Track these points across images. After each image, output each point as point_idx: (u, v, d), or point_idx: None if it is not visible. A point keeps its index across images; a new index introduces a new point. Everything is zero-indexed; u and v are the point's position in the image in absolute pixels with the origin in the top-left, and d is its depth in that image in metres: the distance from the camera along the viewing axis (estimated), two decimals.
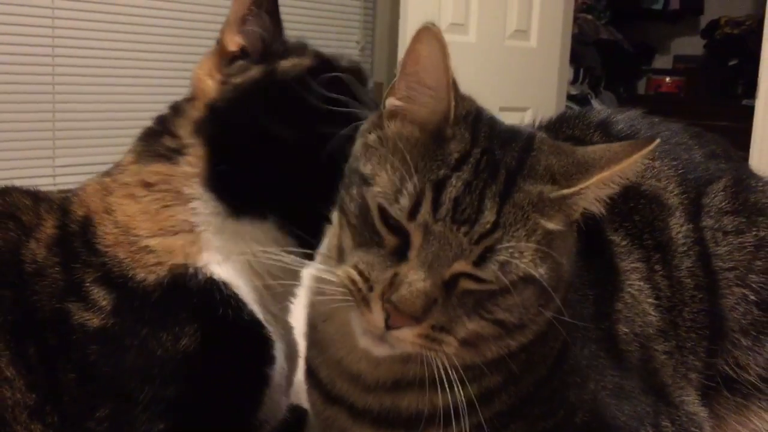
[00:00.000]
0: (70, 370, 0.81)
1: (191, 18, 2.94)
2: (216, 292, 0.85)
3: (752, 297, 0.90)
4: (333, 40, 3.54)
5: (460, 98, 0.73)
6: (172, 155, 0.90)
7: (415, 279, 0.66)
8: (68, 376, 0.81)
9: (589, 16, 5.14)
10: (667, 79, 5.75)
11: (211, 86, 0.92)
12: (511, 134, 0.74)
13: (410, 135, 0.72)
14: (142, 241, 0.85)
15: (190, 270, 0.85)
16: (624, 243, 0.90)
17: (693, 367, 0.90)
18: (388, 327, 0.68)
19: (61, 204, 0.92)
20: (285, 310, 0.98)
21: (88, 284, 0.83)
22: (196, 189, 0.88)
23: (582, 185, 0.69)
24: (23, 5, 2.56)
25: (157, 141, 0.92)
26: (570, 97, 4.31)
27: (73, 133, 2.74)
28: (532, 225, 0.68)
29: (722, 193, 0.94)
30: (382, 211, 0.69)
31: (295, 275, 0.93)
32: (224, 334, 0.85)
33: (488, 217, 0.67)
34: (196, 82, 0.94)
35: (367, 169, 0.72)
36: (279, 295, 0.94)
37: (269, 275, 0.91)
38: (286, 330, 0.97)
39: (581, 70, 4.85)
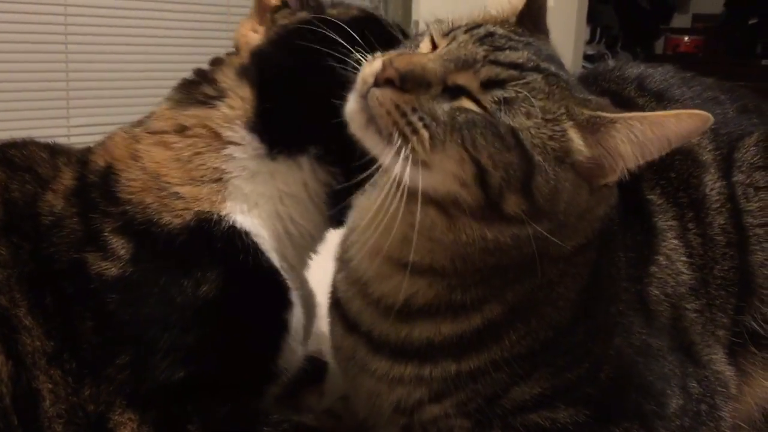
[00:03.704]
0: (89, 318, 0.82)
1: None
2: (237, 239, 0.87)
3: None
4: None
5: None
6: (210, 101, 0.92)
7: (421, 56, 0.72)
8: (86, 324, 0.82)
9: None
10: (686, 38, 5.66)
11: (255, 37, 0.96)
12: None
13: None
14: (172, 188, 0.87)
15: (215, 217, 0.86)
16: (660, 201, 0.89)
17: (721, 325, 0.90)
18: (376, 83, 0.69)
19: (80, 156, 0.93)
20: (303, 263, 1.00)
21: (106, 234, 0.84)
22: (236, 131, 0.90)
23: (619, 116, 0.71)
24: None
25: (195, 89, 0.94)
26: (586, 57, 4.25)
27: (88, 93, 2.73)
28: (555, 109, 0.71)
29: (754, 147, 0.93)
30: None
31: (316, 224, 0.97)
32: (244, 281, 0.86)
33: (515, 56, 0.72)
34: (240, 38, 0.98)
35: None
36: (298, 245, 0.96)
37: (291, 222, 0.93)
38: (302, 281, 0.99)
39: (598, 30, 4.77)
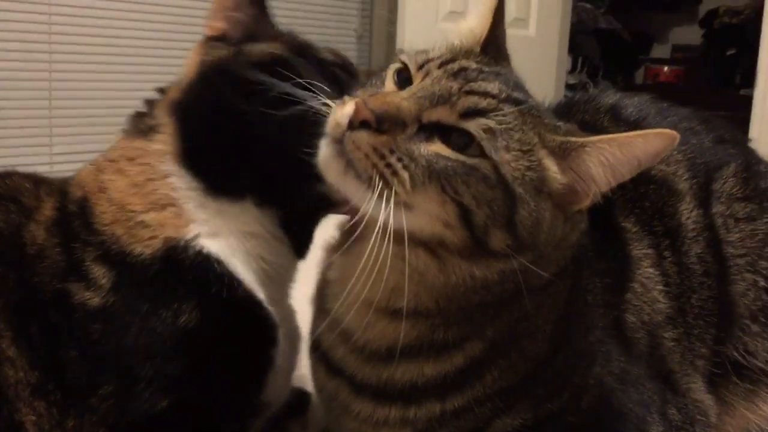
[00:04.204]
0: (73, 348, 0.81)
1: (189, 5, 2.92)
2: (209, 268, 0.86)
3: (762, 283, 0.90)
4: (331, 28, 3.52)
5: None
6: (148, 132, 0.92)
7: (394, 96, 0.71)
8: (70, 354, 0.81)
9: (588, 5, 5.13)
10: (666, 68, 5.75)
11: (192, 69, 0.95)
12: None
13: None
14: (137, 216, 0.86)
15: (182, 243, 0.85)
16: (635, 229, 0.90)
17: (700, 354, 0.90)
18: (351, 126, 0.68)
19: (60, 186, 0.93)
20: (285, 294, 0.99)
21: (88, 263, 0.84)
22: (170, 165, 0.89)
23: (588, 139, 0.72)
24: None
25: (140, 119, 0.94)
26: (568, 86, 4.30)
27: (70, 120, 2.72)
28: (530, 139, 0.71)
29: (733, 179, 0.94)
30: (399, 72, 0.77)
31: (287, 259, 0.96)
32: (222, 312, 0.85)
33: (489, 87, 0.72)
34: (185, 66, 0.96)
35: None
36: (276, 281, 0.95)
37: (262, 260, 0.92)
38: (288, 313, 0.98)
39: (579, 59, 4.84)
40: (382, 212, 0.67)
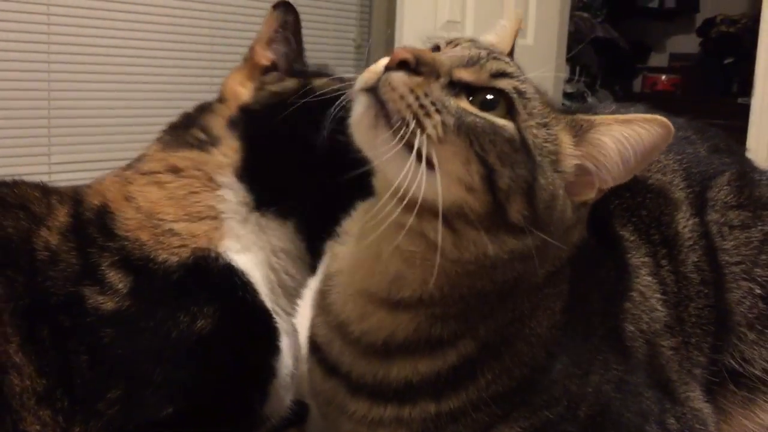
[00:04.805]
0: (83, 353, 0.82)
1: (189, 15, 2.93)
2: (235, 277, 0.89)
3: (758, 291, 0.90)
4: (330, 38, 3.53)
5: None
6: (203, 144, 0.96)
7: (428, 51, 0.73)
8: (81, 358, 0.82)
9: (585, 14, 5.13)
10: (663, 77, 5.75)
11: (243, 92, 1.01)
12: None
13: None
14: (166, 224, 0.89)
15: (212, 254, 0.89)
16: (633, 238, 0.91)
17: (698, 363, 0.90)
18: (387, 69, 0.69)
19: (73, 195, 0.95)
20: (294, 310, 1.01)
21: (104, 268, 0.85)
22: (228, 177, 0.94)
23: (599, 118, 0.76)
24: (18, 1, 2.54)
25: (186, 132, 0.98)
26: (566, 95, 4.31)
27: (69, 130, 2.72)
28: (547, 114, 0.75)
29: (727, 187, 0.94)
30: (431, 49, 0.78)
31: (305, 275, 1.00)
32: (240, 317, 0.88)
33: (510, 64, 0.76)
34: (229, 89, 1.02)
35: None
36: (290, 294, 0.99)
37: (286, 274, 0.97)
38: (293, 329, 1.00)
39: (577, 68, 4.84)
40: (406, 168, 0.67)
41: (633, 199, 0.92)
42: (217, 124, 0.98)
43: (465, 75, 0.72)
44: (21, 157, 2.62)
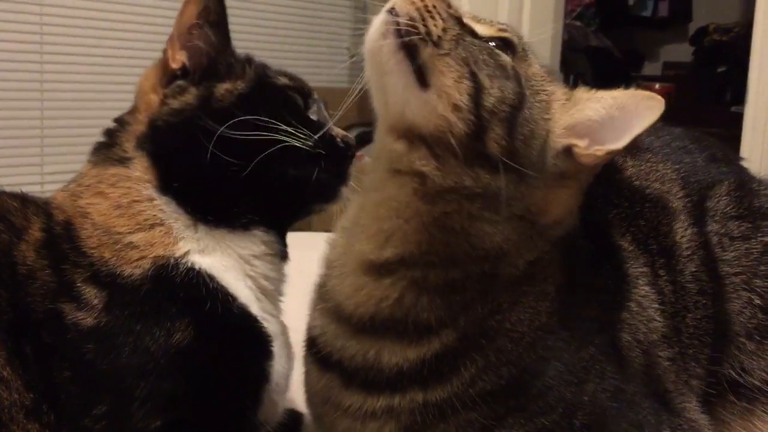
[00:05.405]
0: (66, 369, 0.81)
1: None
2: (201, 285, 0.86)
3: (757, 301, 0.90)
4: (323, 47, 3.54)
5: None
6: (124, 161, 0.92)
7: None
8: (64, 374, 0.81)
9: (579, 23, 5.17)
10: (657, 85, 5.76)
11: (153, 101, 0.94)
12: None
13: None
14: (125, 237, 0.86)
15: (171, 261, 0.86)
16: (631, 248, 0.90)
17: (695, 374, 0.90)
18: None
19: (44, 207, 0.92)
20: (277, 307, 0.99)
21: (79, 284, 0.84)
22: (152, 191, 0.90)
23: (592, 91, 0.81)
24: (11, 12, 2.54)
25: (109, 150, 0.94)
26: None
27: (62, 140, 2.72)
28: (545, 74, 0.82)
29: (726, 197, 0.94)
30: None
31: (282, 271, 0.99)
32: (216, 329, 0.85)
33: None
34: (141, 95, 0.96)
35: None
36: (271, 296, 0.96)
37: (263, 278, 0.94)
38: (283, 329, 0.98)
39: (571, 77, 4.87)
40: (405, 84, 0.74)
41: (631, 209, 0.92)
42: (128, 145, 0.93)
43: (474, 24, 0.79)
44: (13, 167, 2.61)
